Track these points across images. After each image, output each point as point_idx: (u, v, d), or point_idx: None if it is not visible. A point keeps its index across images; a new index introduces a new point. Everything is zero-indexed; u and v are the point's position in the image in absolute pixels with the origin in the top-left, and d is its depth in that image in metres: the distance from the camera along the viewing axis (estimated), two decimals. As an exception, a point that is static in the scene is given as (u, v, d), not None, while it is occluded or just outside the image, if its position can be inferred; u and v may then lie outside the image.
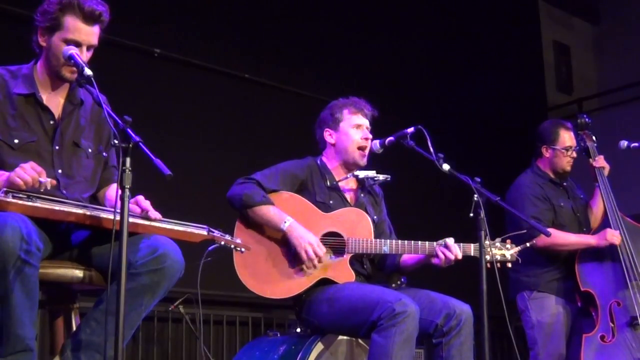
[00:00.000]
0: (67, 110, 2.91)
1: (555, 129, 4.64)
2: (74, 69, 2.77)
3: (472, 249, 3.53)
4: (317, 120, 3.87)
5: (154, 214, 2.74)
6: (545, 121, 4.95)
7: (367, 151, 3.75)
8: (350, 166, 3.77)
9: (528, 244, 3.63)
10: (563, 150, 4.59)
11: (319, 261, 3.45)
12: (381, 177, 3.75)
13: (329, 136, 3.80)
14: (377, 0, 7.11)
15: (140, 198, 2.76)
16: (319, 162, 3.79)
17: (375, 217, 3.76)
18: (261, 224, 3.53)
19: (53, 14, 2.78)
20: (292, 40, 6.39)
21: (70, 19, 2.78)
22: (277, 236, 3.54)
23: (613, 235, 4.37)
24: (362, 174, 3.74)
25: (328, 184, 3.72)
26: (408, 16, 7.34)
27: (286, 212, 3.51)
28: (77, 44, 2.78)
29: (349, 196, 3.76)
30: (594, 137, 4.76)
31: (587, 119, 4.80)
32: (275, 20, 6.33)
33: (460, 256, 3.50)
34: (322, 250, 3.45)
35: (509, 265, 3.60)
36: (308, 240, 3.44)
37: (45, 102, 2.86)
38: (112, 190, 3.01)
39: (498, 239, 3.60)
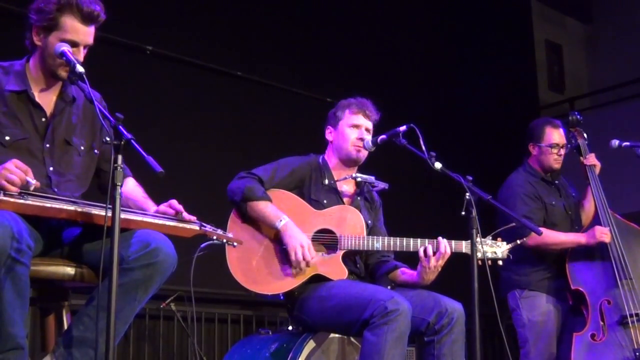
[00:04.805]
0: (59, 108, 2.89)
1: (542, 126, 4.65)
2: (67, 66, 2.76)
3: (463, 246, 3.54)
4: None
5: (187, 215, 2.77)
6: (536, 119, 4.96)
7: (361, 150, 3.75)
8: (348, 163, 3.78)
9: (519, 241, 3.65)
10: (548, 148, 4.59)
11: (307, 265, 3.45)
12: (380, 185, 3.76)
13: (329, 134, 3.84)
14: (370, -2, 7.14)
15: (174, 202, 2.78)
16: (320, 160, 3.81)
17: (369, 221, 3.75)
18: (257, 219, 3.54)
19: (50, 14, 2.73)
20: (285, 38, 6.38)
21: (69, 20, 2.74)
22: (271, 233, 3.54)
23: (602, 233, 4.37)
24: (361, 177, 3.75)
25: (326, 182, 3.72)
26: (400, 15, 7.34)
27: (280, 208, 3.52)
28: (75, 44, 2.76)
29: (345, 198, 3.76)
30: (585, 135, 4.76)
31: (578, 116, 4.79)
32: (268, 17, 6.32)
33: (449, 252, 3.51)
34: (312, 254, 3.45)
35: (500, 262, 3.61)
36: (300, 241, 3.44)
37: (37, 99, 2.83)
38: (125, 186, 2.97)
39: (489, 237, 3.61)
